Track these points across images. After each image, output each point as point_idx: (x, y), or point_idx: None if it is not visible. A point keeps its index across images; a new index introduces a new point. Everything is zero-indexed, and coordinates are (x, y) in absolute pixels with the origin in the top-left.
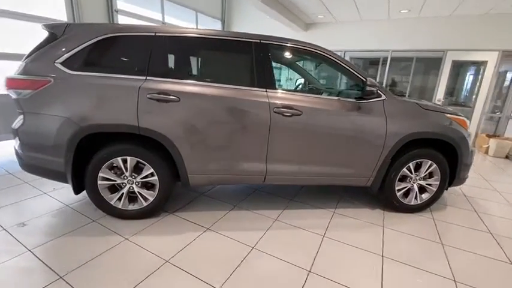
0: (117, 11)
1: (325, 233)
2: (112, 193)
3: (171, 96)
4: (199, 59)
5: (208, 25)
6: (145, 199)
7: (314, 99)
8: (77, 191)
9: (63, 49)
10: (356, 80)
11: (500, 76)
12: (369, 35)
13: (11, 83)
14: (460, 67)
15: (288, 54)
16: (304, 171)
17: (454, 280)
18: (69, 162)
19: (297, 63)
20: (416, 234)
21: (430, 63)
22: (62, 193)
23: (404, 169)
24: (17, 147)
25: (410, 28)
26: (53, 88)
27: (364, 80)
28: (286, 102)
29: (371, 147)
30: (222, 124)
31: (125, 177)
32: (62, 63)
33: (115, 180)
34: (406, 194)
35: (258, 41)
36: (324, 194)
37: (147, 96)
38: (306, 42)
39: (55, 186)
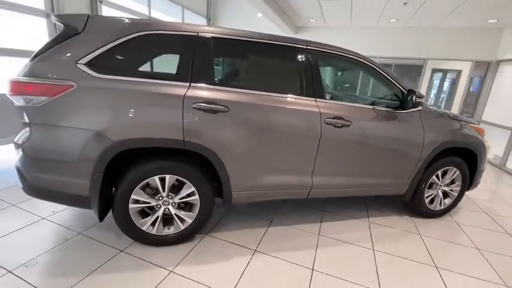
0: (101, 1)
1: (373, 246)
2: (143, 217)
3: (220, 106)
4: (247, 64)
5: (194, 22)
6: (183, 221)
7: (361, 110)
8: (102, 217)
9: (87, 47)
10: (396, 91)
11: (471, 83)
12: (356, 41)
13: (18, 87)
14: (436, 74)
15: (333, 62)
16: (349, 184)
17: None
18: (96, 185)
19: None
20: (450, 240)
21: (406, 70)
22: (65, 217)
23: (434, 176)
24: (20, 166)
25: (396, 36)
26: (77, 94)
27: (405, 91)
28: (336, 113)
29: (410, 156)
30: (272, 136)
31: (160, 198)
32: (87, 65)
33: (149, 203)
34: (432, 200)
35: (306, 46)
36: (350, 203)
37: (193, 105)
38: (351, 51)
39: (54, 208)
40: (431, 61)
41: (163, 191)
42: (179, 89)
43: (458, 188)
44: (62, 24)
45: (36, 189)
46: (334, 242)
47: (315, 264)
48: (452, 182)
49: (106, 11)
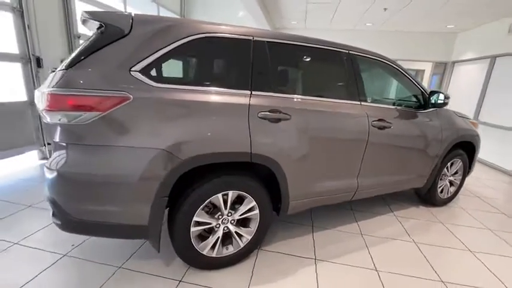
0: None
1: (413, 239)
2: (202, 240)
3: (283, 114)
4: (302, 69)
5: None
6: (241, 238)
7: (396, 111)
8: (159, 246)
9: (140, 52)
10: (418, 92)
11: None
12: None
13: (61, 101)
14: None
15: (369, 66)
16: (386, 182)
17: None
18: (159, 211)
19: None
20: (467, 225)
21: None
22: (91, 249)
23: (445, 168)
24: (57, 198)
25: (369, 39)
26: (134, 108)
27: (426, 93)
28: (379, 115)
29: (432, 152)
30: (327, 141)
31: (220, 217)
32: (141, 72)
33: (210, 223)
34: (442, 190)
35: (348, 51)
36: (371, 200)
37: (259, 115)
38: (382, 55)
39: (72, 241)
40: (400, 62)
41: (225, 208)
42: (242, 97)
43: (461, 177)
44: (100, 24)
45: (81, 223)
46: (378, 240)
47: (375, 264)
48: (456, 172)
49: (80, 6)
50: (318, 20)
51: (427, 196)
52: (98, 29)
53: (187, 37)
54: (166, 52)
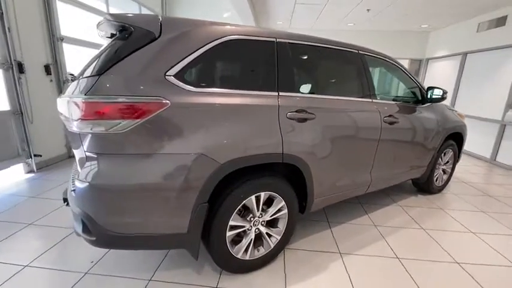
0: None
1: (421, 227)
2: (235, 244)
3: (308, 114)
4: (320, 69)
5: None
6: (271, 239)
7: (402, 107)
8: (198, 254)
9: (172, 56)
10: (416, 88)
11: None
12: None
13: (98, 109)
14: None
15: (376, 64)
16: (394, 173)
17: None
18: (199, 217)
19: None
20: (462, 209)
21: None
22: (113, 264)
23: (439, 158)
24: (91, 213)
25: (350, 38)
26: (171, 113)
27: (424, 89)
28: (388, 111)
29: (431, 143)
30: (347, 139)
31: (252, 219)
32: (176, 77)
33: (244, 226)
34: (436, 178)
35: (358, 51)
36: (373, 192)
37: (287, 115)
38: (386, 55)
39: (91, 257)
40: None
41: (258, 210)
42: (271, 99)
43: (452, 166)
44: (122, 27)
45: (118, 238)
46: (391, 230)
47: (395, 253)
48: (447, 161)
49: (61, 7)
50: (303, 20)
51: (425, 185)
52: (120, 32)
53: (215, 40)
54: (198, 55)
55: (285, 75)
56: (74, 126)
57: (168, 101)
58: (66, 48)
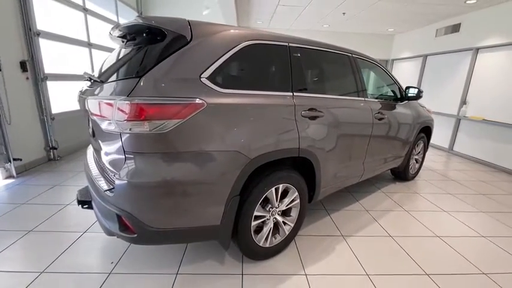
0: None
1: (404, 208)
2: (257, 233)
3: (318, 112)
4: (324, 71)
5: (127, 15)
6: (286, 226)
7: (386, 104)
8: (229, 245)
9: (205, 59)
10: (396, 88)
11: None
12: None
13: (147, 110)
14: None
15: (364, 66)
16: (380, 163)
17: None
18: (232, 210)
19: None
20: (434, 192)
21: None
22: (135, 262)
23: (413, 149)
24: (134, 211)
25: (324, 39)
26: (207, 113)
27: (402, 88)
28: (377, 108)
29: (408, 135)
30: (347, 133)
31: (271, 209)
32: (209, 79)
33: (265, 216)
34: (410, 167)
35: (351, 54)
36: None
37: (302, 113)
38: (371, 57)
39: (111, 258)
40: None
41: (276, 201)
42: (288, 99)
43: (422, 155)
44: (161, 31)
45: (160, 233)
46: (381, 213)
47: (388, 232)
48: (419, 151)
49: (37, 3)
50: (282, 21)
51: (402, 173)
52: (147, 34)
53: (239, 44)
54: (226, 59)
55: (298, 76)
56: (116, 127)
57: (204, 102)
58: (43, 44)
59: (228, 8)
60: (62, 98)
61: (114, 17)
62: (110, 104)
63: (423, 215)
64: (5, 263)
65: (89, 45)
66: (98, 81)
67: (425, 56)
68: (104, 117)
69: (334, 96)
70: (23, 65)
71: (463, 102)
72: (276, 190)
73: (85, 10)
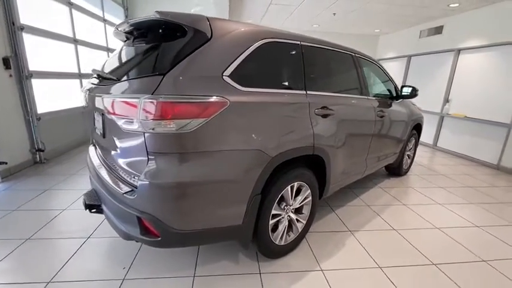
0: None
1: (402, 202)
2: (273, 231)
3: (329, 110)
4: (333, 70)
5: (114, 11)
6: (299, 224)
7: (385, 102)
8: (249, 244)
9: (225, 57)
10: (392, 86)
11: None
12: None
13: (174, 109)
14: None
15: (365, 65)
16: (379, 160)
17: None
18: (254, 209)
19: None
20: (427, 186)
21: None
22: (147, 267)
23: (406, 146)
24: (158, 214)
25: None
26: (230, 112)
27: (398, 87)
28: (379, 106)
29: (403, 132)
30: (354, 131)
31: (285, 207)
32: (230, 77)
33: (280, 214)
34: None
35: (355, 54)
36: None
37: (315, 112)
38: (370, 56)
39: (123, 263)
40: None
41: (291, 198)
42: (302, 97)
43: (413, 151)
44: (182, 27)
45: (183, 235)
46: (381, 208)
47: (392, 226)
48: (411, 147)
49: None
50: (273, 20)
51: (396, 169)
52: (164, 30)
53: (257, 42)
54: (246, 56)
55: (310, 75)
56: (139, 126)
57: (227, 100)
58: (27, 40)
59: (221, 5)
60: (48, 97)
61: (99, 12)
62: (132, 103)
63: (420, 208)
64: (5, 275)
65: (75, 41)
66: (112, 78)
67: (409, 57)
68: (124, 116)
69: (342, 95)
70: (5, 62)
71: (446, 100)
72: (291, 188)
73: (70, 4)
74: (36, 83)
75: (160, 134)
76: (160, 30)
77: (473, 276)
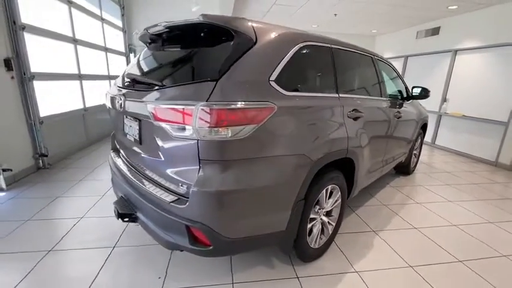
0: None
1: (415, 200)
2: (309, 235)
3: (359, 112)
4: (359, 72)
5: (110, 10)
6: (329, 226)
7: (399, 102)
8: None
9: (270, 61)
10: (403, 87)
11: None
12: None
13: (233, 116)
14: None
15: (382, 67)
16: (393, 160)
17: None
18: (298, 213)
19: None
20: (437, 184)
21: None
22: (183, 275)
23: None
24: (210, 222)
25: None
26: (277, 117)
27: (408, 88)
28: (396, 107)
29: (413, 133)
30: (378, 132)
31: (319, 210)
32: (276, 81)
33: (316, 218)
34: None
35: (373, 56)
36: None
37: (348, 114)
38: (386, 59)
39: (159, 273)
40: None
41: (325, 202)
42: (336, 100)
43: (419, 150)
44: (229, 32)
45: (234, 243)
46: (398, 207)
47: (413, 225)
48: (417, 146)
49: None
50: (274, 20)
51: (404, 168)
52: (207, 33)
53: (297, 45)
54: (288, 61)
55: (341, 78)
56: (192, 133)
57: (275, 105)
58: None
59: (226, 4)
60: (48, 99)
61: (97, 11)
62: (186, 110)
63: (434, 206)
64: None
65: (74, 41)
66: (153, 83)
67: (406, 57)
68: (175, 122)
69: (368, 96)
70: (7, 63)
71: (444, 99)
72: (326, 191)
73: (69, 2)
74: (37, 85)
75: (214, 141)
76: (202, 34)
77: (500, 272)
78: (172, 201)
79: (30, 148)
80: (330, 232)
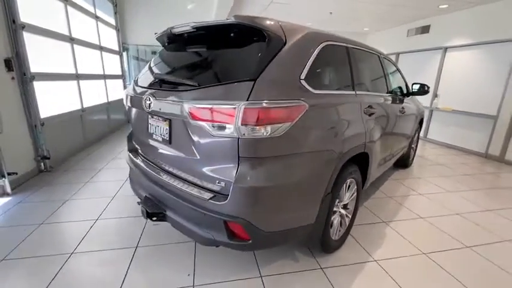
0: None
1: (418, 192)
2: (330, 227)
3: (374, 109)
4: (370, 70)
5: (103, 8)
6: (346, 219)
7: (402, 98)
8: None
9: (300, 61)
10: (403, 83)
11: None
12: None
13: (272, 114)
14: None
15: (386, 64)
16: (397, 153)
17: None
18: (326, 207)
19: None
20: (435, 175)
21: None
22: (211, 271)
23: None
24: (250, 217)
25: None
26: (308, 115)
27: (408, 85)
28: (400, 103)
29: (413, 127)
30: (387, 127)
31: (338, 204)
32: (305, 80)
33: (336, 211)
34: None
35: (380, 55)
36: None
37: (364, 111)
38: (389, 57)
39: (187, 270)
40: None
41: (344, 195)
42: (354, 97)
43: (416, 144)
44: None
45: (270, 236)
46: (402, 198)
47: (419, 215)
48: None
49: None
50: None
51: (404, 161)
52: (238, 33)
53: (321, 44)
54: (314, 59)
55: (357, 76)
56: (233, 131)
57: (306, 104)
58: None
59: (225, 2)
60: (48, 100)
61: (91, 9)
62: (227, 109)
63: (436, 196)
64: None
65: (71, 40)
66: (189, 84)
67: (397, 54)
68: (214, 121)
69: (378, 93)
70: (7, 63)
71: (435, 95)
72: (345, 185)
73: (65, 0)
74: (37, 86)
75: (254, 139)
76: (232, 34)
77: (505, 256)
78: (210, 198)
79: (31, 150)
80: (347, 224)
